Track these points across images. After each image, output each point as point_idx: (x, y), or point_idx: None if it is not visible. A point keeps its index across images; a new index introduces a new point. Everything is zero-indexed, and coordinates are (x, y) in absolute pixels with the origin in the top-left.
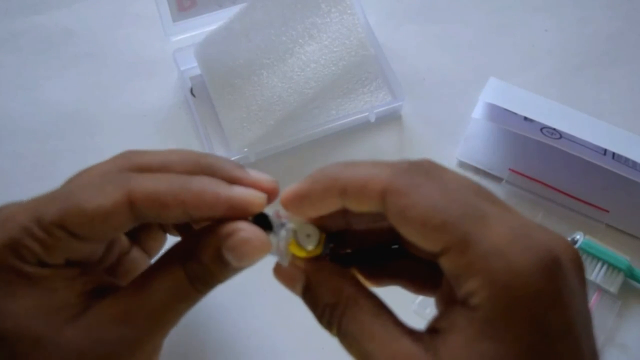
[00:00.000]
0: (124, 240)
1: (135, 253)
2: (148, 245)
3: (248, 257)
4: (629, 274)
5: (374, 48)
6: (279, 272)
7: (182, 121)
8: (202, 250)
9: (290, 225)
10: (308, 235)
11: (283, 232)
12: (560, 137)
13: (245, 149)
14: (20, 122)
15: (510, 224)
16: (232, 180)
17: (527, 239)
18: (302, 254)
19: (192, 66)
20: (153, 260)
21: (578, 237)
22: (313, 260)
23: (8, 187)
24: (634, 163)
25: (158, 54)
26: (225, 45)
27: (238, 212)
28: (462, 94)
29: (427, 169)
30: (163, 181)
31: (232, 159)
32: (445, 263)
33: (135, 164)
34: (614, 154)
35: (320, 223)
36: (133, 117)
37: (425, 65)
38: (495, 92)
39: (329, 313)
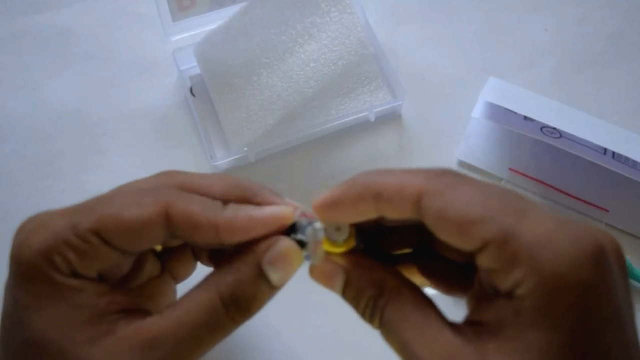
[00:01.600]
0: (155, 264)
1: (164, 278)
2: (177, 272)
3: (291, 266)
4: (629, 273)
5: (374, 48)
6: (317, 272)
7: (182, 121)
8: (241, 270)
9: (319, 224)
10: (338, 229)
11: (312, 231)
12: (561, 136)
13: (245, 149)
14: (20, 122)
15: (550, 217)
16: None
17: (570, 230)
18: (336, 249)
19: (192, 66)
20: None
21: None
22: (351, 255)
23: (8, 187)
24: (634, 162)
25: (158, 54)
26: (225, 45)
27: (269, 229)
28: (462, 93)
29: (458, 174)
30: (200, 203)
31: (232, 158)
32: (485, 259)
33: (177, 182)
34: (614, 153)
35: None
36: (133, 117)
37: (425, 65)
38: (495, 91)
39: (373, 304)
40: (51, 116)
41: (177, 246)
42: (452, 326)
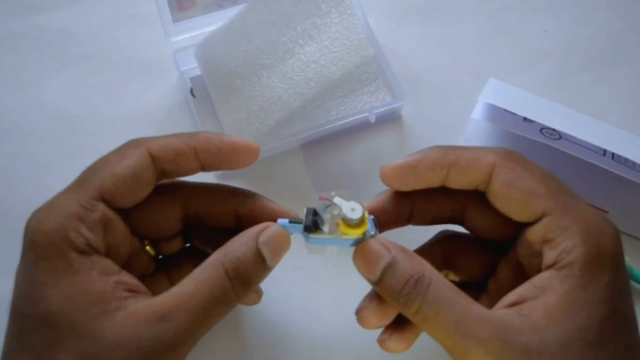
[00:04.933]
0: (147, 261)
1: (158, 278)
2: (175, 277)
3: (281, 248)
4: (629, 274)
5: (374, 48)
6: (362, 251)
7: (182, 122)
8: (241, 249)
9: (335, 203)
10: (352, 209)
11: (329, 211)
12: (560, 137)
13: None
14: (20, 122)
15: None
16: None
17: (602, 215)
18: (352, 231)
19: (192, 67)
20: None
21: None
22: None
23: (8, 187)
24: (634, 163)
25: (158, 55)
26: (225, 46)
27: (241, 151)
28: (462, 94)
29: (522, 156)
30: (174, 136)
31: None
32: (541, 228)
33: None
34: (613, 154)
35: (383, 219)
36: (133, 117)
37: (425, 65)
38: (494, 92)
39: (413, 285)
40: (51, 116)
41: (178, 252)
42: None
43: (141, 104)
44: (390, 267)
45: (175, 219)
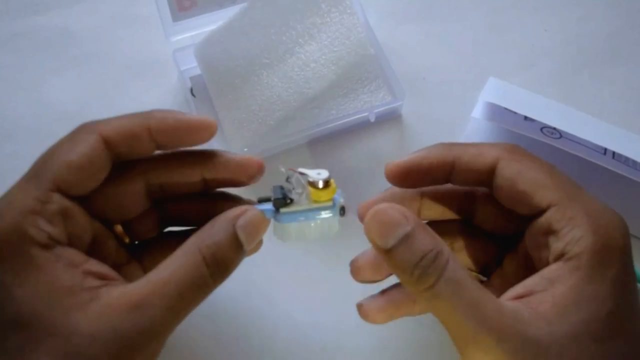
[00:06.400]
0: (119, 250)
1: (131, 268)
2: (148, 266)
3: (257, 233)
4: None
5: (374, 48)
6: (382, 215)
7: None
8: (218, 235)
9: (301, 171)
10: (318, 173)
11: (295, 177)
12: (561, 136)
13: (245, 149)
14: (20, 122)
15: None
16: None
17: (609, 208)
18: (321, 196)
19: (192, 66)
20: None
21: None
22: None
23: (8, 187)
24: (634, 162)
25: (158, 54)
26: (225, 45)
27: (197, 130)
28: (462, 93)
29: (526, 150)
30: (127, 118)
31: None
32: (547, 219)
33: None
34: (614, 153)
35: None
36: None
37: (425, 65)
38: (495, 91)
39: (432, 259)
40: (51, 116)
41: (154, 241)
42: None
43: (141, 103)
44: (407, 237)
45: (139, 196)
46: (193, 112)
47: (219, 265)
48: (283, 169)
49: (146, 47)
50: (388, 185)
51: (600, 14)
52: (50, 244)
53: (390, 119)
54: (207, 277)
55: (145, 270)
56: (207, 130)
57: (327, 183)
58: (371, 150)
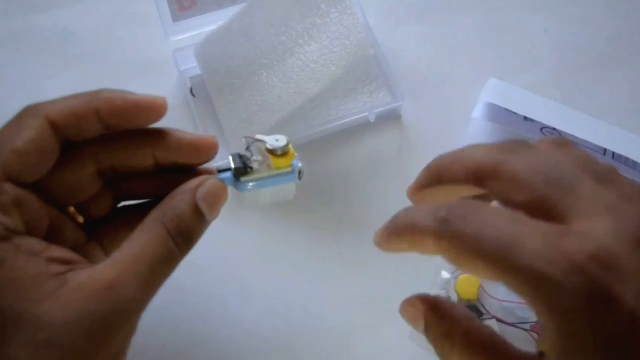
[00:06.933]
0: (77, 231)
1: (89, 248)
2: (107, 245)
3: (219, 201)
4: None
5: (374, 48)
6: (405, 312)
7: (182, 121)
8: (180, 207)
9: (258, 138)
10: (277, 140)
11: (254, 149)
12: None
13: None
14: None
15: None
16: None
17: (556, 251)
18: (281, 162)
19: (192, 66)
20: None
21: None
22: (428, 299)
23: None
24: (634, 163)
25: (158, 54)
26: (225, 46)
27: (145, 109)
28: (462, 94)
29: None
30: (73, 99)
31: None
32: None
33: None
34: (614, 153)
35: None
36: None
37: (425, 65)
38: (495, 92)
39: (448, 349)
40: None
41: (109, 219)
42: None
43: None
44: (426, 328)
45: (91, 178)
46: (193, 112)
47: (184, 237)
48: (243, 139)
49: (146, 47)
50: (387, 185)
51: (601, 14)
52: (8, 236)
53: (390, 119)
54: (174, 249)
55: (105, 248)
56: (156, 111)
57: (285, 150)
58: (371, 150)
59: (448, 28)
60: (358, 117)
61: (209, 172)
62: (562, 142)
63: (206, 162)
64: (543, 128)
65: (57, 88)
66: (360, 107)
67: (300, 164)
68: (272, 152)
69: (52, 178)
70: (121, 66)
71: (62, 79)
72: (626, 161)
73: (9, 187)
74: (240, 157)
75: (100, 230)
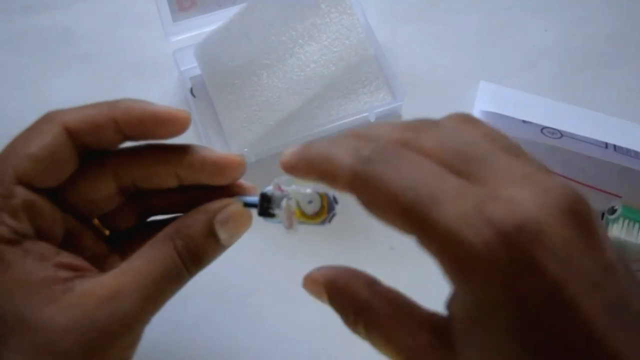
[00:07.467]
0: (98, 243)
1: (111, 261)
2: (128, 256)
3: (239, 228)
4: None
5: (374, 48)
6: (307, 287)
7: None
8: (193, 227)
9: (292, 195)
10: (310, 202)
11: (286, 204)
12: (562, 136)
13: (245, 149)
14: (21, 122)
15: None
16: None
17: (479, 215)
18: (309, 220)
19: (192, 66)
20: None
21: (616, 206)
22: (330, 269)
23: None
24: (637, 153)
25: (158, 54)
26: (225, 46)
27: (163, 121)
28: (462, 94)
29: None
30: (92, 107)
31: None
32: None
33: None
34: (615, 146)
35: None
36: None
37: (425, 65)
38: (488, 97)
39: (353, 321)
40: None
41: (135, 230)
42: (430, 322)
43: None
44: (329, 301)
45: (110, 192)
46: (193, 112)
47: (192, 256)
48: (274, 187)
49: (146, 47)
50: None
51: (601, 14)
52: (16, 239)
53: (390, 119)
54: (181, 267)
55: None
56: (176, 124)
57: (317, 211)
58: None
59: (448, 28)
60: (358, 117)
61: (240, 189)
62: (469, 118)
63: (231, 182)
64: (543, 128)
65: (57, 88)
66: (360, 107)
67: (334, 211)
68: (303, 213)
69: (71, 187)
70: (121, 66)
71: (62, 79)
72: (628, 152)
73: (20, 191)
74: (268, 200)
75: (126, 243)
